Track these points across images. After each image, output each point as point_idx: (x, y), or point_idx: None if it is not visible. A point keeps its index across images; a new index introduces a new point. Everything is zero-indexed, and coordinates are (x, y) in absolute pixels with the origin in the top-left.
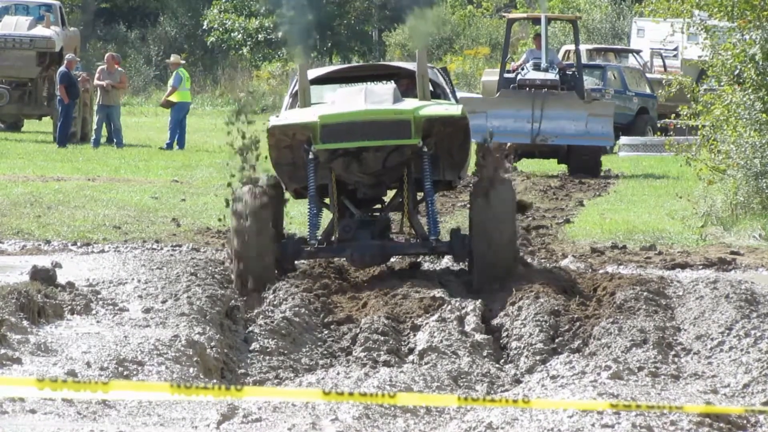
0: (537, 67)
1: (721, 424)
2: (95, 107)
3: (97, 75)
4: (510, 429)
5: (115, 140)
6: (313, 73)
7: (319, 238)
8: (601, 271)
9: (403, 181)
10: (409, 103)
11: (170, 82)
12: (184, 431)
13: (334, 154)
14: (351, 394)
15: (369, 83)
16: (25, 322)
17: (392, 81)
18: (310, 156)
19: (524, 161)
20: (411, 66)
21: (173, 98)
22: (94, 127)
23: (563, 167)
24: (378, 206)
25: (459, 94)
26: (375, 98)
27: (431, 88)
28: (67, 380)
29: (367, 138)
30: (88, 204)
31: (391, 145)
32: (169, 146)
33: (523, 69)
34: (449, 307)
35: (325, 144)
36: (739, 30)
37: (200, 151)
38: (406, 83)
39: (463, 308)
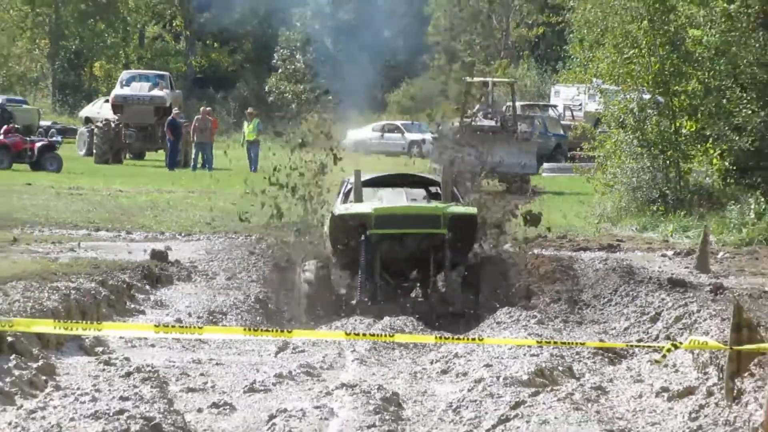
0: (485, 116)
1: (610, 354)
2: (193, 143)
3: (194, 122)
4: (469, 356)
5: (207, 166)
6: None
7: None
8: (530, 253)
9: (428, 260)
10: (439, 203)
11: (250, 127)
12: (253, 358)
13: (383, 237)
14: (364, 334)
15: (406, 188)
16: (147, 287)
17: (420, 185)
18: (362, 238)
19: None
20: (431, 176)
21: (252, 137)
22: (193, 156)
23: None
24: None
25: (444, 127)
26: (413, 198)
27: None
28: (175, 325)
29: (408, 227)
30: (189, 208)
31: (424, 233)
32: (254, 170)
33: (475, 117)
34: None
35: (377, 230)
36: (623, 92)
37: (266, 174)
38: (425, 188)
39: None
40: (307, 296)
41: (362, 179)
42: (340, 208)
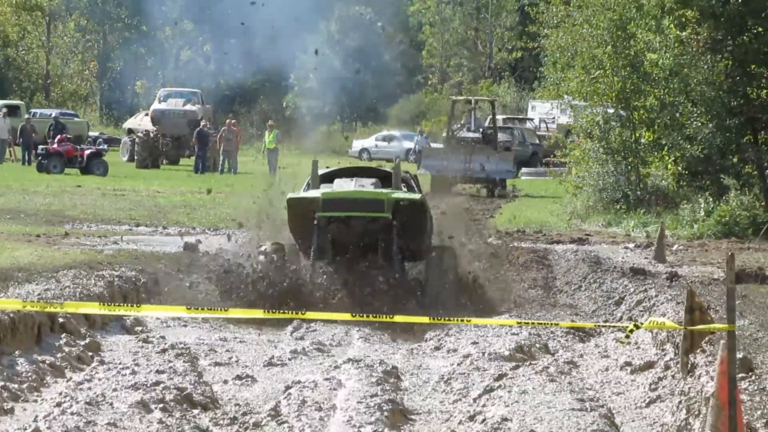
0: (468, 130)
1: (581, 333)
2: (220, 151)
3: (221, 133)
4: (459, 334)
5: (232, 170)
6: (321, 171)
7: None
8: (510, 245)
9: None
10: (384, 189)
11: (270, 137)
12: (273, 335)
13: (331, 220)
14: (368, 316)
15: (361, 177)
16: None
17: (376, 176)
18: (314, 222)
19: (462, 185)
20: (391, 170)
21: (271, 146)
22: (220, 162)
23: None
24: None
25: (432, 144)
26: (362, 185)
27: (405, 185)
28: (204, 307)
29: (353, 210)
30: (217, 207)
31: (370, 217)
32: (273, 174)
33: (460, 130)
34: None
35: (324, 212)
36: (590, 107)
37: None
38: (385, 181)
39: None
40: (259, 277)
41: (328, 171)
42: (293, 194)
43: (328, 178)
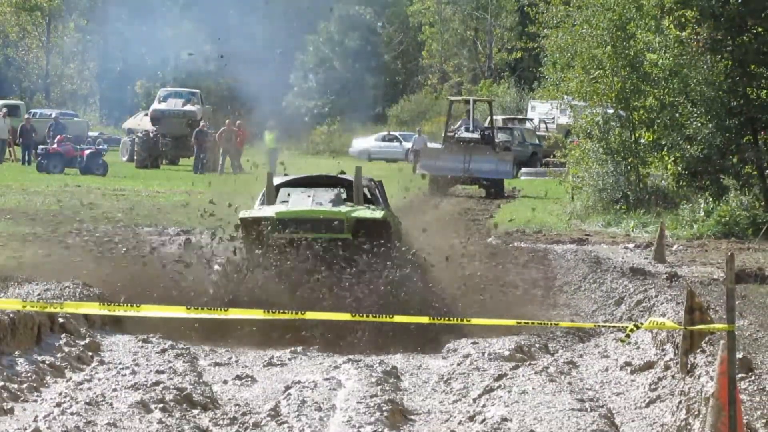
0: (467, 130)
1: (580, 334)
2: (220, 151)
3: (219, 132)
4: (459, 331)
5: (237, 170)
6: (278, 180)
7: None
8: (510, 245)
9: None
10: (344, 206)
11: (270, 137)
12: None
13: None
14: (368, 316)
15: (319, 189)
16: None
17: (337, 186)
18: (268, 242)
19: (461, 186)
20: (349, 177)
21: (272, 145)
22: (220, 162)
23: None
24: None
25: (430, 144)
26: (319, 200)
27: (369, 195)
28: (204, 308)
29: (310, 231)
30: (214, 206)
31: (327, 237)
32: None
33: (458, 130)
34: None
35: (278, 234)
36: (590, 107)
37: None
38: (344, 187)
39: None
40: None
41: (287, 179)
42: (245, 212)
43: (288, 184)
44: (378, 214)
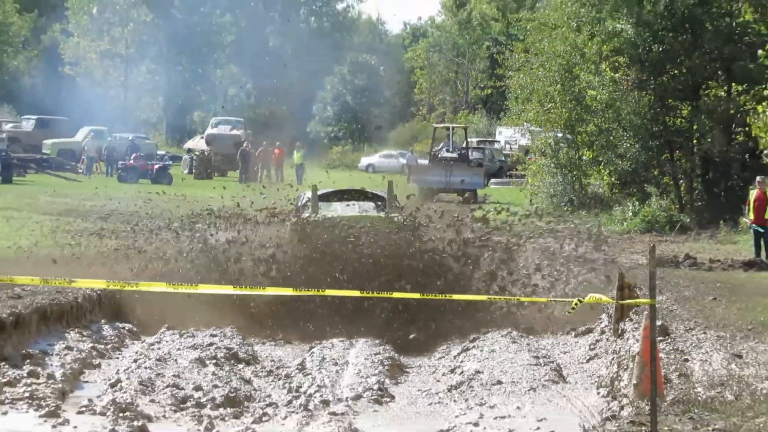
0: (447, 150)
1: (540, 306)
2: (259, 165)
3: (258, 151)
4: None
5: (278, 179)
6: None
7: None
8: (485, 237)
9: None
10: (381, 212)
11: (298, 155)
12: None
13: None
14: (372, 292)
15: (357, 199)
16: None
17: (371, 199)
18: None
19: (443, 195)
20: (378, 192)
21: (299, 161)
22: (259, 174)
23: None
24: None
25: (420, 161)
26: (364, 208)
27: (398, 205)
28: (248, 285)
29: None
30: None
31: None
32: (300, 184)
33: (440, 150)
34: None
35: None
36: (544, 132)
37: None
38: (378, 200)
39: None
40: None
41: (326, 191)
42: (306, 215)
43: (324, 197)
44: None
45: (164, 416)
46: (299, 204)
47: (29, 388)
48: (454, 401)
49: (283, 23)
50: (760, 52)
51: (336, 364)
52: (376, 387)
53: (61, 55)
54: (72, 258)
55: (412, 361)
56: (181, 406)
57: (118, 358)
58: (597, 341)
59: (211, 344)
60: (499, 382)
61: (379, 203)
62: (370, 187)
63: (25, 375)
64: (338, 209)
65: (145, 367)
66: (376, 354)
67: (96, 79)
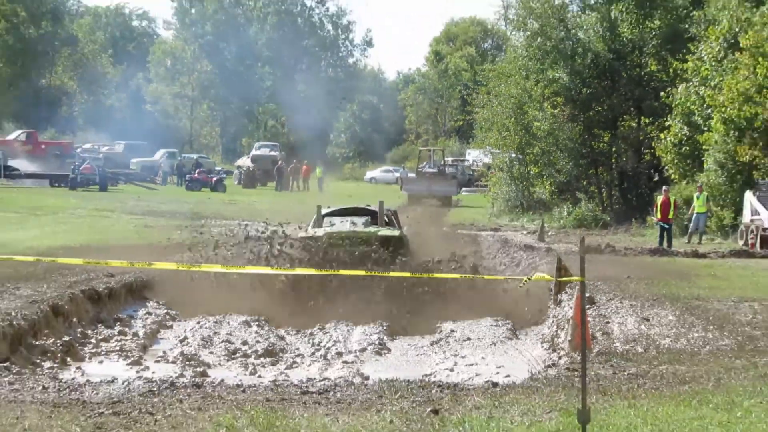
0: (429, 167)
1: (497, 282)
2: (291, 178)
3: (290, 167)
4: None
5: (306, 189)
6: (324, 210)
7: None
8: (456, 231)
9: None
10: (373, 228)
11: (319, 170)
12: None
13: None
14: (371, 271)
15: (354, 216)
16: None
17: (366, 215)
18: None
19: (425, 200)
20: (374, 208)
21: (320, 174)
22: (290, 185)
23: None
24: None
25: (409, 175)
26: (357, 224)
27: (387, 220)
28: (286, 266)
29: (351, 245)
30: (284, 210)
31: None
32: (321, 191)
33: (424, 167)
34: None
35: (332, 247)
36: (501, 153)
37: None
38: (371, 215)
39: None
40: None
41: (330, 210)
42: (303, 233)
43: (330, 213)
44: (396, 233)
45: (219, 364)
46: (314, 218)
47: (119, 344)
48: (435, 353)
49: (308, 72)
50: (662, 93)
51: (347, 326)
52: (377, 342)
53: (144, 96)
54: (150, 246)
55: (404, 330)
56: (232, 356)
57: (186, 320)
58: (542, 309)
59: (256, 310)
60: (469, 339)
61: (370, 218)
62: (373, 192)
63: (116, 334)
64: (337, 225)
65: (205, 328)
66: (377, 322)
67: (169, 114)
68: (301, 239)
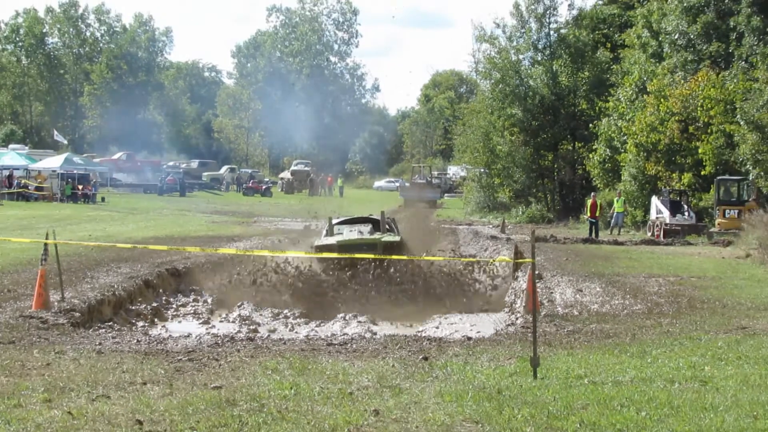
0: (420, 179)
1: (472, 266)
2: (320, 187)
3: (320, 178)
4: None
5: (330, 194)
6: (335, 220)
7: None
8: (441, 226)
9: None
10: (377, 235)
11: (339, 181)
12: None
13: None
14: (376, 254)
15: (360, 225)
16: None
17: (370, 223)
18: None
19: (416, 203)
20: (376, 216)
21: (340, 184)
22: (320, 192)
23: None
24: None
25: (405, 185)
26: (363, 232)
27: (388, 227)
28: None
29: (358, 251)
30: (312, 209)
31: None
32: (341, 197)
33: (416, 178)
34: None
35: (341, 253)
36: (473, 168)
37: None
38: (374, 224)
39: None
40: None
41: (339, 220)
42: (318, 242)
43: (339, 223)
44: (396, 238)
45: (267, 323)
46: (326, 228)
47: (193, 308)
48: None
49: (332, 110)
50: (590, 125)
51: (362, 297)
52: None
53: (212, 126)
54: (217, 236)
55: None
56: (276, 317)
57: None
58: (503, 282)
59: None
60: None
61: (373, 226)
62: (379, 197)
63: (191, 301)
64: (346, 233)
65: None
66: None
67: (231, 140)
68: (317, 247)
